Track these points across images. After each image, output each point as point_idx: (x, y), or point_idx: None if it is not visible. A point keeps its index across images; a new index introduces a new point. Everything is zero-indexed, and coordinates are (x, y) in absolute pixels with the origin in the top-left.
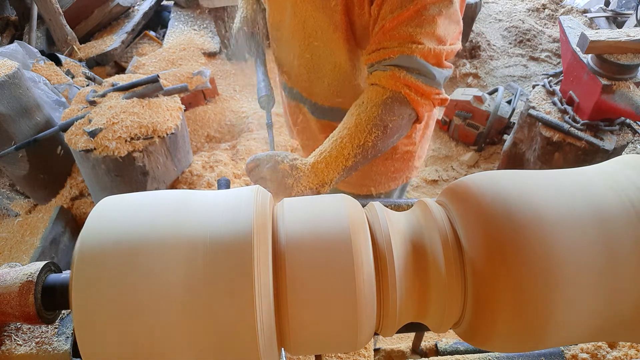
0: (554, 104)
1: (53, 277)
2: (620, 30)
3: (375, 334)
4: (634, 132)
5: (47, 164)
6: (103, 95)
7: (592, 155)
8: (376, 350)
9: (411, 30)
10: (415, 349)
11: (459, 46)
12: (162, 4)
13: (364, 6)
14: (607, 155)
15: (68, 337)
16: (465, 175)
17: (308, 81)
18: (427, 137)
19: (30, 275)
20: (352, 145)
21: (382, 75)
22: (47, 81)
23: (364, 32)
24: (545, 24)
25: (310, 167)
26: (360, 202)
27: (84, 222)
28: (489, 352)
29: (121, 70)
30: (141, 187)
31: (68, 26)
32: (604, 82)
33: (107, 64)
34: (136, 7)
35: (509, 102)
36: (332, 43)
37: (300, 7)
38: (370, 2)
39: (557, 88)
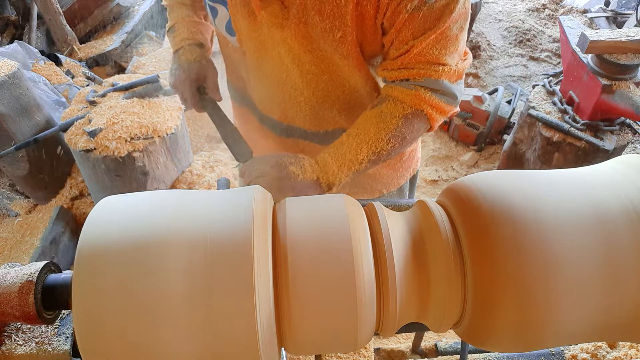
0: (554, 104)
1: (53, 277)
2: (620, 30)
3: (376, 333)
4: (634, 132)
5: (47, 164)
6: (103, 95)
7: (592, 155)
8: (376, 350)
9: (437, 53)
10: (415, 349)
11: (471, 59)
12: (162, 4)
13: (377, 36)
14: (607, 155)
15: (68, 337)
16: (465, 175)
17: (311, 115)
18: None
19: (30, 275)
20: (369, 152)
21: (406, 92)
22: (47, 81)
23: (373, 55)
24: (545, 24)
25: (321, 166)
26: (360, 202)
27: (84, 222)
28: (489, 352)
29: (121, 70)
30: (141, 187)
31: (68, 26)
32: (604, 82)
33: (107, 64)
34: (136, 7)
35: (509, 102)
36: (342, 72)
37: (291, 44)
38: (383, 32)
39: (557, 88)
